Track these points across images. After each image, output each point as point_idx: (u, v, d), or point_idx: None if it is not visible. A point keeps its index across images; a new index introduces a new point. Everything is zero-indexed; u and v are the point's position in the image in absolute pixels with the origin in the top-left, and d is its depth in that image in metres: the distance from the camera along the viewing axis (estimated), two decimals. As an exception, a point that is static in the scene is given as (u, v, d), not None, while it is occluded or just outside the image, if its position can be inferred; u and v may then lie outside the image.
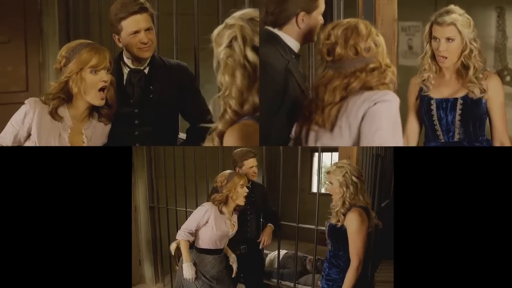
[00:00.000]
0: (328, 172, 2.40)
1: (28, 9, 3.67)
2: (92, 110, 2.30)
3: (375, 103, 1.73)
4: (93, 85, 2.21)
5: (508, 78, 4.10)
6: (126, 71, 2.48)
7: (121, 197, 2.20)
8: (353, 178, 2.32)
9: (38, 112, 2.20)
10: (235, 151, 3.08)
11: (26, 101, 2.23)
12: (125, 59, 2.48)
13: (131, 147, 2.44)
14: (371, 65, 1.79)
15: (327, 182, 2.43)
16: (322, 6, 2.02)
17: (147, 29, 2.40)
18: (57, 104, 2.22)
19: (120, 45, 2.45)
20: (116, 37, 2.43)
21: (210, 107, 1.77)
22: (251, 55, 1.74)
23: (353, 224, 2.27)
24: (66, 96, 2.23)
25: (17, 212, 2.14)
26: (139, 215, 4.14)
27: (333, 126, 1.79)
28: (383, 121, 1.72)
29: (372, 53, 1.80)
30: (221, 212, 2.69)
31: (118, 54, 2.54)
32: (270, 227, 3.16)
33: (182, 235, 2.65)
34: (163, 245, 4.02)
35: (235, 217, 2.82)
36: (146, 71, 2.48)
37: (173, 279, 3.88)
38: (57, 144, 2.22)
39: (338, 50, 1.79)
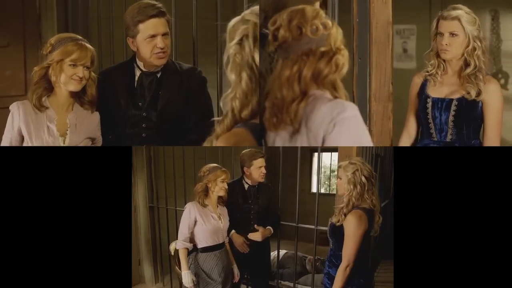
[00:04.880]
0: (339, 166, 2.37)
1: (27, 13, 3.65)
2: (75, 101, 2.37)
3: (334, 125, 1.57)
4: (68, 76, 2.29)
5: (502, 81, 4.11)
6: (138, 73, 2.49)
7: (120, 197, 2.21)
8: (363, 178, 2.28)
9: (22, 110, 2.31)
10: (244, 151, 3.07)
11: (10, 107, 2.33)
12: (138, 62, 2.49)
13: (131, 147, 2.44)
14: (322, 49, 1.61)
15: (339, 177, 2.38)
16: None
17: (164, 34, 2.41)
18: (40, 93, 2.31)
19: (134, 48, 2.45)
20: (130, 40, 2.44)
21: (221, 105, 1.72)
22: (258, 57, 1.64)
23: (350, 226, 2.26)
24: (47, 85, 2.32)
25: (17, 212, 2.14)
26: (138, 215, 4.14)
27: (300, 125, 1.63)
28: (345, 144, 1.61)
29: (319, 34, 1.61)
30: (203, 205, 2.73)
31: (131, 56, 2.54)
32: (268, 229, 3.11)
33: (179, 245, 2.72)
34: (162, 245, 4.02)
35: (223, 210, 2.84)
36: (158, 75, 2.49)
37: (173, 279, 3.88)
38: (47, 136, 2.29)
39: (282, 32, 1.61)
